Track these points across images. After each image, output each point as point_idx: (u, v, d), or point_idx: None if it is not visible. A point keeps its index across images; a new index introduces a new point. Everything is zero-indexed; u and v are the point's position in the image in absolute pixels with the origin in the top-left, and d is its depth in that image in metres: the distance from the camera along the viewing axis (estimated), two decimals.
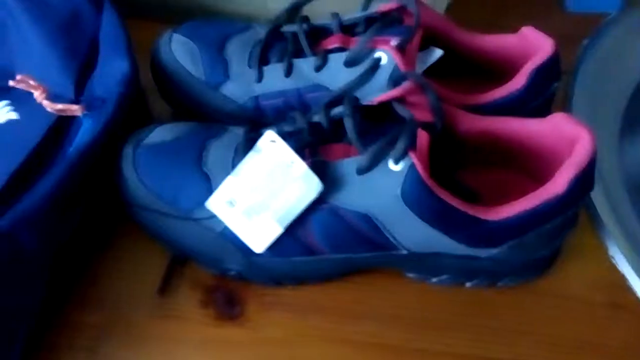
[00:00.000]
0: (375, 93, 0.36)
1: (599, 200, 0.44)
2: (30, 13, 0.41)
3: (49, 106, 0.38)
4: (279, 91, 0.41)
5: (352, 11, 0.42)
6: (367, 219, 0.34)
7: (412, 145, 0.33)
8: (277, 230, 0.35)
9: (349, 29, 0.42)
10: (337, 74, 0.40)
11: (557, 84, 0.42)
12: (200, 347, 0.37)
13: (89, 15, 0.42)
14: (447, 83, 0.41)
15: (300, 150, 0.34)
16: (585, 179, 0.34)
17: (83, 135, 0.37)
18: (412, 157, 0.32)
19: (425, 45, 0.42)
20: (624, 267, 0.42)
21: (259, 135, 0.35)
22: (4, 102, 0.39)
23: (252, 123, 0.38)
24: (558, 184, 0.34)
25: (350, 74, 0.39)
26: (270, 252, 0.36)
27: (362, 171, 0.33)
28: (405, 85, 0.35)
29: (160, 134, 0.38)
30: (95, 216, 0.40)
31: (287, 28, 0.42)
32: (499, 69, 0.44)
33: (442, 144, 0.37)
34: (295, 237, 0.36)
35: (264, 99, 0.42)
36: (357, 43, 0.40)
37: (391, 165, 0.33)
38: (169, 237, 0.38)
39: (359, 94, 0.37)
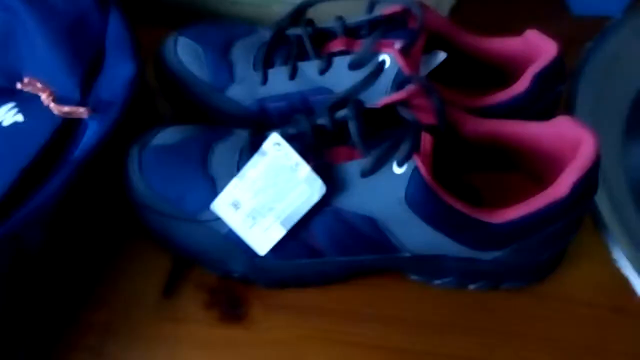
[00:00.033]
0: (380, 96, 0.36)
1: (603, 203, 0.44)
2: (37, 16, 0.41)
3: (56, 109, 0.38)
4: (283, 94, 0.42)
5: (356, 14, 0.42)
6: (370, 221, 0.34)
7: (416, 148, 0.33)
8: (280, 233, 0.35)
9: (353, 32, 0.42)
10: (341, 77, 0.40)
11: (562, 86, 0.42)
12: (204, 348, 0.37)
13: (96, 19, 0.42)
14: (451, 86, 0.41)
15: (304, 153, 0.34)
16: (589, 182, 0.34)
17: (89, 137, 0.38)
18: (416, 160, 0.32)
19: (429, 48, 0.43)
20: (628, 271, 0.42)
21: (264, 137, 0.35)
22: (11, 104, 0.39)
23: (256, 126, 0.39)
24: (562, 187, 0.34)
25: (355, 77, 0.39)
26: (274, 254, 0.36)
27: (366, 174, 0.33)
28: (409, 88, 0.35)
29: (165, 136, 0.39)
30: (101, 218, 0.40)
31: (292, 31, 0.42)
32: (503, 71, 0.44)
33: (446, 146, 0.37)
34: (298, 240, 0.36)
35: (269, 102, 0.42)
36: (361, 46, 0.40)
37: (395, 168, 0.33)
38: (174, 239, 0.38)
39: (363, 96, 0.37)
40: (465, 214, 0.34)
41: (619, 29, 0.57)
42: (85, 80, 0.40)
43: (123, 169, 0.38)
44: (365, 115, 0.35)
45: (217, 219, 0.36)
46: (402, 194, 0.33)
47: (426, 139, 0.33)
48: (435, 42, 0.43)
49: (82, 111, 0.38)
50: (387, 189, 0.33)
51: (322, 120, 0.35)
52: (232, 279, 0.39)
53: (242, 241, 0.36)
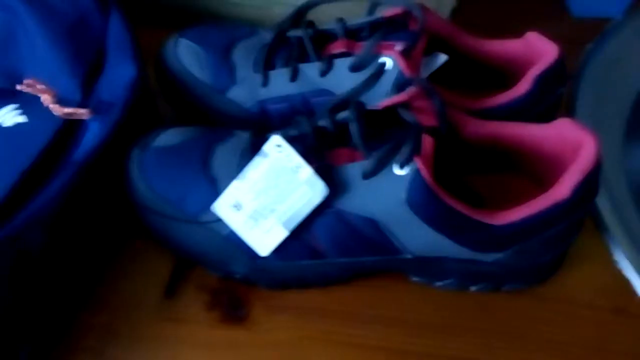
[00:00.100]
0: (380, 98, 0.36)
1: (604, 204, 0.45)
2: (38, 17, 0.41)
3: (57, 110, 0.38)
4: (284, 96, 0.42)
5: (357, 16, 0.42)
6: (372, 223, 0.35)
7: (417, 150, 0.33)
8: (282, 234, 0.35)
9: (354, 34, 0.42)
10: (342, 79, 0.40)
11: (562, 89, 0.42)
12: (205, 349, 0.37)
13: (97, 20, 0.42)
14: (452, 88, 0.41)
15: (305, 155, 0.34)
16: (590, 185, 0.34)
17: (90, 139, 0.38)
18: (417, 162, 0.32)
19: (430, 50, 0.43)
20: (628, 272, 0.42)
21: (265, 139, 0.35)
22: (12, 105, 0.39)
23: (257, 127, 0.39)
24: (563, 189, 0.34)
25: (356, 79, 0.39)
26: (275, 255, 0.36)
27: (367, 176, 0.33)
28: (410, 90, 0.35)
29: (167, 138, 0.39)
30: (102, 219, 0.40)
31: (293, 33, 0.42)
32: (504, 73, 0.44)
33: (447, 148, 0.37)
34: (300, 241, 0.36)
35: (270, 104, 0.42)
36: (362, 48, 0.40)
37: (396, 169, 0.33)
38: (176, 240, 0.38)
39: (364, 98, 0.37)
40: (466, 216, 0.34)
41: (619, 30, 0.58)
42: (86, 81, 0.40)
43: (124, 171, 0.38)
44: (367, 117, 0.35)
45: (219, 220, 0.36)
46: (403, 195, 0.33)
47: (427, 141, 0.33)
48: (436, 44, 0.43)
49: (83, 112, 0.38)
50: (388, 190, 0.33)
51: (323, 122, 0.35)
52: (233, 280, 0.39)
53: (243, 242, 0.36)
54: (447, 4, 0.53)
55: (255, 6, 0.53)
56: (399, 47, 0.39)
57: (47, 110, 0.38)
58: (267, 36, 0.43)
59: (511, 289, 0.40)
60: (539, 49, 0.41)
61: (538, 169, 0.39)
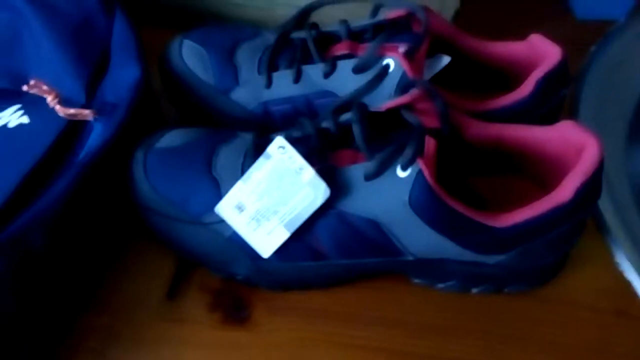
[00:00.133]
0: (384, 100, 0.36)
1: (606, 206, 0.44)
2: (43, 18, 0.41)
3: (61, 111, 0.38)
4: (287, 97, 0.42)
5: (360, 18, 0.42)
6: (374, 224, 0.35)
7: (419, 152, 0.33)
8: (284, 235, 0.35)
9: (357, 36, 0.42)
10: (345, 81, 0.40)
11: (565, 91, 0.42)
12: (207, 350, 0.37)
13: (101, 21, 0.42)
14: (454, 90, 0.41)
15: (308, 156, 0.34)
16: (592, 187, 0.34)
17: (94, 139, 0.38)
18: (420, 164, 0.32)
19: (433, 52, 0.43)
20: (630, 274, 0.41)
21: (268, 140, 0.35)
22: (16, 106, 0.39)
23: (261, 128, 0.39)
24: (565, 191, 0.34)
25: (359, 81, 0.39)
26: (277, 256, 0.36)
27: (370, 177, 0.33)
28: (413, 92, 0.36)
29: (170, 139, 0.39)
30: (105, 220, 0.40)
31: (296, 34, 0.43)
32: (507, 76, 0.44)
33: (449, 150, 0.37)
34: (302, 242, 0.36)
35: (273, 105, 0.42)
36: (365, 50, 0.40)
37: (399, 171, 0.33)
38: (178, 241, 0.38)
39: (367, 100, 0.38)
40: (468, 218, 0.34)
41: (622, 32, 0.58)
42: (91, 82, 0.40)
43: (128, 172, 0.38)
44: (369, 118, 0.35)
45: (221, 221, 0.36)
46: (405, 197, 0.33)
47: (430, 143, 0.33)
48: (439, 46, 0.43)
49: (87, 113, 0.38)
50: (391, 192, 0.33)
51: (326, 124, 0.35)
52: (235, 281, 0.39)
53: (245, 243, 0.36)
54: (450, 6, 0.53)
55: (258, 7, 0.53)
56: (402, 49, 0.39)
57: (51, 111, 0.38)
58: (270, 38, 0.43)
59: (513, 291, 0.40)
60: (542, 51, 0.41)
61: (541, 171, 0.39)
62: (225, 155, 0.37)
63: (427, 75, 0.42)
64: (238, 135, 0.39)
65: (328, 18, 0.43)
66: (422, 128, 0.34)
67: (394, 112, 0.35)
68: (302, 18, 0.43)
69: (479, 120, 0.38)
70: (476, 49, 0.44)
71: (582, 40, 0.56)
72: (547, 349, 0.38)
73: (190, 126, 0.41)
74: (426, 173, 0.32)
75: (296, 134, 0.36)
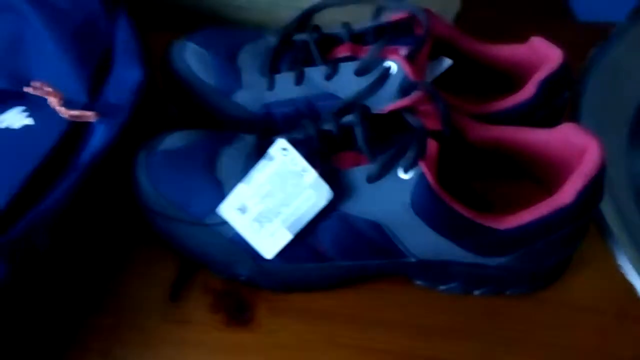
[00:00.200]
0: (385, 102, 0.37)
1: (608, 209, 0.45)
2: (46, 20, 0.41)
3: (64, 112, 0.38)
4: (289, 99, 0.42)
5: (362, 20, 0.42)
6: (376, 226, 0.35)
7: (421, 154, 0.33)
8: (287, 237, 0.35)
9: (359, 38, 0.42)
10: (347, 83, 0.40)
11: (567, 93, 0.42)
12: (210, 351, 0.37)
13: (104, 23, 0.42)
14: (456, 92, 0.41)
15: (310, 158, 0.34)
16: (594, 190, 0.35)
17: (97, 141, 0.38)
18: (422, 166, 0.32)
19: (435, 54, 0.43)
20: (633, 277, 0.42)
21: (270, 142, 0.35)
22: (20, 107, 0.39)
23: (263, 130, 0.39)
24: (567, 194, 0.34)
25: (361, 83, 0.39)
26: (280, 258, 0.37)
27: (372, 179, 0.33)
28: (415, 94, 0.36)
29: (173, 141, 0.39)
30: (108, 222, 0.40)
31: (298, 37, 0.43)
32: (509, 78, 0.44)
33: (451, 152, 0.37)
34: (305, 244, 0.36)
35: (275, 107, 0.42)
36: (367, 52, 0.40)
37: (401, 173, 0.33)
38: (181, 243, 0.38)
39: (369, 102, 0.37)
40: (470, 220, 0.34)
41: (623, 34, 0.58)
42: (93, 84, 0.40)
43: (130, 173, 0.38)
44: (371, 121, 0.35)
45: (224, 223, 0.36)
46: (407, 199, 0.33)
47: (432, 145, 0.34)
48: (440, 48, 0.43)
49: (90, 115, 0.38)
50: (393, 194, 0.33)
51: (328, 126, 0.36)
52: (238, 282, 0.39)
53: (248, 245, 0.36)
54: (451, 9, 0.53)
55: (260, 10, 0.53)
56: (404, 51, 0.39)
57: (54, 112, 0.38)
58: (272, 40, 0.43)
59: (515, 293, 0.40)
60: (543, 54, 0.41)
61: (542, 174, 0.39)
62: (228, 157, 0.37)
63: (429, 77, 0.42)
64: (240, 137, 0.39)
65: (330, 20, 0.43)
66: (424, 130, 0.34)
67: (396, 115, 0.35)
68: (304, 20, 0.44)
69: (480, 122, 0.38)
70: (478, 52, 0.44)
71: (584, 42, 0.56)
72: (549, 352, 0.38)
73: (192, 128, 0.41)
74: (428, 175, 0.32)
75: (298, 136, 0.36)
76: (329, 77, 0.41)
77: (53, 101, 0.39)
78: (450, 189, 0.35)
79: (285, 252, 0.36)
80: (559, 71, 0.40)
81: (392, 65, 0.39)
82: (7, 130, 0.38)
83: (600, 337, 0.39)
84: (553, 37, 0.42)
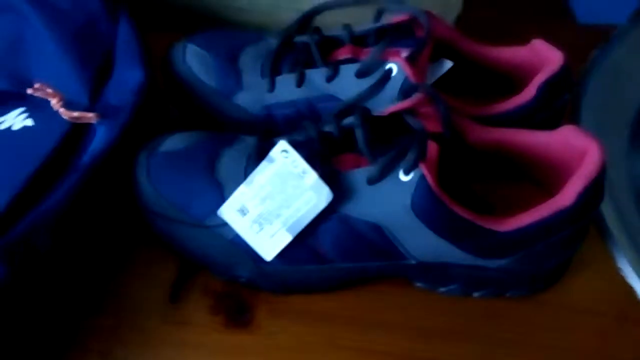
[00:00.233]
0: (386, 104, 0.37)
1: (608, 211, 0.45)
2: (47, 21, 0.41)
3: (65, 114, 0.38)
4: (290, 101, 0.42)
5: (363, 22, 0.43)
6: (376, 228, 0.35)
7: (422, 156, 0.33)
8: (287, 239, 0.35)
9: (360, 40, 0.42)
10: (348, 85, 0.40)
11: (567, 95, 0.42)
12: (210, 353, 0.37)
13: (105, 25, 0.42)
14: (457, 94, 0.41)
15: (311, 160, 0.34)
16: (594, 192, 0.35)
17: (97, 142, 0.38)
18: (422, 168, 0.32)
19: (436, 56, 0.43)
20: (633, 279, 0.42)
21: (271, 144, 0.35)
22: (21, 109, 0.39)
23: (263, 132, 0.39)
24: (567, 196, 0.34)
25: (361, 85, 0.39)
26: (280, 260, 0.37)
27: (372, 181, 0.33)
28: (416, 96, 0.36)
29: (174, 142, 0.39)
30: (109, 223, 0.40)
31: (299, 39, 0.43)
32: (509, 80, 0.44)
33: (452, 155, 0.37)
34: (305, 246, 0.36)
35: (276, 109, 0.42)
36: (368, 54, 0.40)
37: (401, 175, 0.33)
38: (181, 244, 0.38)
39: (369, 104, 0.38)
40: (470, 222, 0.34)
41: (624, 37, 0.58)
42: (94, 85, 0.41)
43: (131, 175, 0.38)
44: (372, 123, 0.35)
45: (224, 224, 0.36)
46: (408, 201, 0.33)
47: (432, 147, 0.34)
48: (441, 50, 0.43)
49: (91, 116, 0.39)
50: (393, 196, 0.33)
51: (328, 128, 0.36)
52: (238, 284, 0.39)
53: (248, 246, 0.36)
54: (452, 11, 0.53)
55: (261, 11, 0.53)
56: (404, 53, 0.39)
57: (55, 113, 0.39)
58: (274, 42, 0.43)
59: (515, 295, 0.40)
60: (544, 56, 0.41)
61: (543, 176, 0.39)
62: (229, 159, 0.37)
63: (430, 79, 0.42)
64: (241, 138, 0.39)
65: (331, 22, 0.43)
66: (424, 132, 0.34)
67: (396, 117, 0.35)
68: (305, 22, 0.44)
69: (481, 124, 0.38)
70: (478, 54, 0.44)
71: (584, 44, 0.56)
72: (549, 354, 0.38)
73: (193, 130, 0.41)
74: (428, 177, 0.32)
75: (299, 137, 0.36)
76: (329, 79, 0.41)
77: (54, 102, 0.39)
78: (450, 191, 0.35)
79: (286, 254, 0.36)
80: (560, 73, 0.40)
81: (393, 67, 0.39)
82: (8, 132, 0.38)
83: (600, 339, 0.39)
84: (554, 39, 0.42)
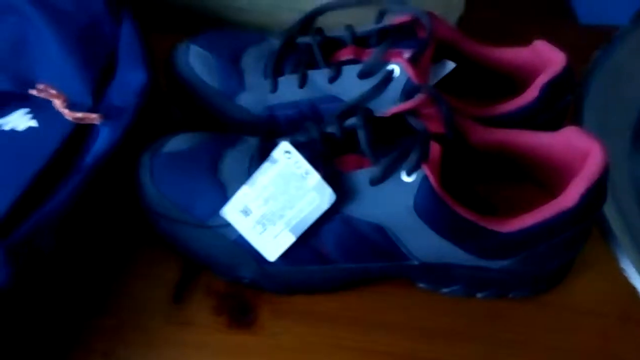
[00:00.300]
0: (389, 105, 0.37)
1: (610, 212, 0.45)
2: (51, 22, 0.41)
3: (69, 115, 0.38)
4: (293, 102, 0.42)
5: (365, 23, 0.43)
6: (379, 229, 0.35)
7: (424, 157, 0.33)
8: (290, 239, 0.35)
9: (362, 41, 0.42)
10: (350, 86, 0.40)
11: (570, 96, 0.42)
12: (213, 353, 0.37)
13: (108, 26, 0.43)
14: (459, 95, 0.41)
15: (314, 161, 0.34)
16: (597, 193, 0.35)
17: (101, 143, 0.38)
18: (425, 169, 0.33)
19: (438, 57, 0.43)
20: (635, 280, 0.42)
21: (273, 145, 0.35)
22: (24, 109, 0.40)
23: (266, 133, 0.39)
24: (570, 197, 0.34)
25: (364, 86, 0.39)
26: (283, 260, 0.37)
27: (375, 182, 0.34)
28: (418, 97, 0.36)
29: (177, 143, 0.39)
30: (112, 223, 0.40)
31: (302, 39, 0.43)
32: (512, 81, 0.44)
33: (454, 155, 0.38)
34: (308, 247, 0.36)
35: (278, 110, 0.42)
36: (370, 55, 0.40)
37: (404, 176, 0.33)
38: (184, 245, 0.38)
39: (372, 105, 0.38)
40: (473, 223, 0.34)
41: (627, 37, 0.57)
42: (97, 86, 0.41)
43: (134, 176, 0.38)
44: (375, 124, 0.35)
45: (227, 225, 0.36)
46: (411, 202, 0.33)
47: (435, 148, 0.34)
48: (443, 51, 0.43)
49: (94, 117, 0.39)
50: (396, 197, 0.33)
51: (331, 129, 0.36)
52: (241, 284, 0.39)
53: (251, 247, 0.36)
54: (454, 12, 0.53)
55: (264, 12, 0.53)
56: (407, 54, 0.39)
57: (58, 114, 0.39)
58: (276, 43, 0.44)
59: (517, 296, 0.40)
60: (546, 57, 0.41)
61: (545, 177, 0.39)
62: (231, 160, 0.37)
63: (432, 80, 0.42)
64: (244, 139, 0.39)
65: (333, 23, 0.43)
66: (427, 133, 0.34)
67: (399, 118, 0.35)
68: (308, 23, 0.44)
69: (483, 125, 0.38)
70: (481, 55, 0.44)
71: (586, 45, 0.56)
72: (551, 355, 0.38)
73: (196, 130, 0.41)
74: (431, 178, 0.32)
75: (301, 138, 0.36)
76: (332, 80, 0.41)
77: (57, 103, 0.39)
78: (453, 192, 0.35)
79: (288, 255, 0.36)
80: (562, 74, 0.40)
81: (395, 68, 0.39)
82: (12, 132, 0.38)
83: (602, 340, 0.39)
84: (556, 40, 0.42)
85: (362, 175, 0.34)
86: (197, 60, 0.43)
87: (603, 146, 0.34)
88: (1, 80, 0.41)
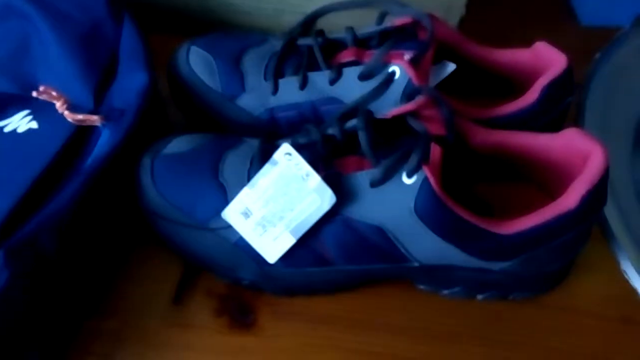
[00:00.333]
0: (389, 106, 0.37)
1: (611, 213, 0.44)
2: (52, 25, 0.41)
3: (70, 116, 0.38)
4: (293, 104, 0.42)
5: (366, 25, 0.43)
6: (380, 231, 0.35)
7: (425, 159, 0.33)
8: (290, 241, 0.35)
9: (363, 43, 0.42)
10: (351, 88, 0.40)
11: (570, 98, 0.42)
12: (213, 355, 0.37)
13: (109, 28, 0.43)
14: (460, 97, 0.41)
15: (314, 163, 0.34)
16: (597, 195, 0.35)
17: (102, 145, 0.38)
18: (425, 171, 0.33)
19: (439, 59, 0.43)
20: (636, 281, 0.41)
21: (274, 147, 0.35)
22: (25, 111, 0.40)
23: (267, 135, 0.39)
24: (570, 198, 0.34)
25: (365, 88, 0.39)
26: (283, 262, 0.37)
27: (375, 184, 0.34)
28: (419, 99, 0.36)
29: (177, 145, 0.39)
30: (113, 225, 0.40)
31: (302, 41, 0.43)
32: (512, 83, 0.44)
33: (455, 157, 0.38)
34: (308, 248, 0.36)
35: (279, 111, 0.42)
36: (371, 57, 0.40)
37: (404, 178, 0.33)
38: (185, 246, 0.38)
39: (373, 107, 0.38)
40: (474, 225, 0.34)
41: (627, 39, 0.57)
42: (99, 88, 0.41)
43: (135, 177, 0.38)
44: (375, 125, 0.35)
45: (228, 226, 0.36)
46: (411, 204, 0.33)
47: (435, 150, 0.34)
48: (444, 53, 0.43)
49: (95, 119, 0.39)
50: (396, 199, 0.33)
51: (332, 130, 0.36)
52: (241, 286, 0.39)
53: (252, 249, 0.36)
54: (455, 13, 0.53)
55: (265, 14, 0.53)
56: (407, 56, 0.39)
57: (60, 116, 0.39)
58: (277, 44, 0.44)
59: (518, 298, 0.40)
60: (547, 59, 0.41)
61: (546, 179, 0.39)
62: (232, 161, 0.38)
63: (433, 82, 0.42)
64: (244, 141, 0.39)
65: (334, 25, 0.43)
66: (427, 135, 0.34)
67: (399, 119, 0.35)
68: (308, 25, 0.44)
69: (484, 127, 0.38)
70: (481, 56, 0.44)
71: (587, 47, 0.56)
72: (552, 356, 0.38)
73: (197, 132, 0.41)
74: (432, 180, 0.32)
75: (302, 140, 0.36)
76: (333, 82, 0.41)
77: (59, 105, 0.39)
78: (453, 193, 0.35)
79: (289, 257, 0.36)
80: (563, 76, 0.40)
81: (396, 70, 0.39)
82: (13, 134, 0.38)
83: (603, 341, 0.39)
84: (557, 42, 0.42)
85: (363, 177, 0.34)
86: (198, 62, 0.43)
87: (604, 148, 0.34)
88: (3, 82, 0.41)
